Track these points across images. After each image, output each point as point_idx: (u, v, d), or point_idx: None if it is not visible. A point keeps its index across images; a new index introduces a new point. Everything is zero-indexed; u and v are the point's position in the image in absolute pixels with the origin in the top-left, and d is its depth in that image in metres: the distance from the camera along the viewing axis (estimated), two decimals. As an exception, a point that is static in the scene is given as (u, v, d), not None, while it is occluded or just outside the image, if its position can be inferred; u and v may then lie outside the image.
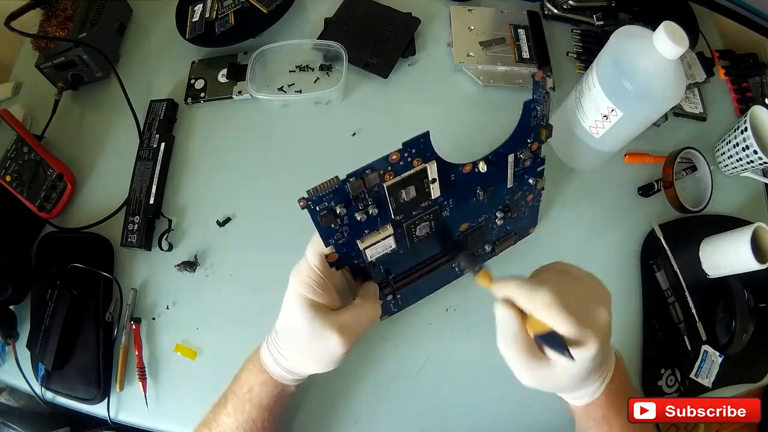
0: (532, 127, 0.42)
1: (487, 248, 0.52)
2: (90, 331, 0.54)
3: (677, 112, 0.65)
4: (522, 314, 0.35)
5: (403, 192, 0.37)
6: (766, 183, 0.63)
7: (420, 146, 0.36)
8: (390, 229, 0.40)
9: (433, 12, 0.70)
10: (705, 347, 0.54)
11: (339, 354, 0.39)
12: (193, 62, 0.68)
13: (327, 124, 0.64)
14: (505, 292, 0.35)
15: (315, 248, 0.39)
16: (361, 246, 0.40)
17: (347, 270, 0.43)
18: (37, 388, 0.54)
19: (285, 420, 0.47)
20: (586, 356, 0.33)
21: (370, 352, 0.53)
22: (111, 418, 0.53)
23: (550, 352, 0.34)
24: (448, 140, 0.61)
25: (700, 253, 0.57)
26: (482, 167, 0.41)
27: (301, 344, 0.39)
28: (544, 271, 0.38)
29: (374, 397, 0.51)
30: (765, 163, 0.57)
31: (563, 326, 0.33)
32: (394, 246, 0.42)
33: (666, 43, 0.42)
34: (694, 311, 0.55)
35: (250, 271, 0.57)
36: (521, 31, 0.68)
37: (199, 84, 0.66)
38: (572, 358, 0.33)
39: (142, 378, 0.52)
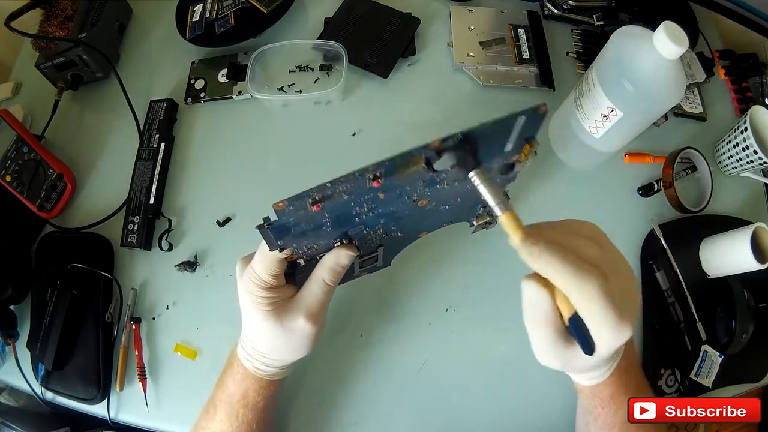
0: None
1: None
2: (90, 331, 0.54)
3: (677, 112, 0.65)
4: (551, 289, 0.31)
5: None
6: (766, 183, 0.63)
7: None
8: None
9: (433, 12, 0.70)
10: (705, 347, 0.54)
11: (313, 335, 0.39)
12: (193, 62, 0.68)
13: (327, 124, 0.64)
14: (541, 265, 0.30)
15: (262, 259, 0.37)
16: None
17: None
18: (37, 388, 0.54)
19: (276, 415, 0.48)
20: (618, 344, 0.31)
21: (370, 352, 0.53)
22: (111, 418, 0.53)
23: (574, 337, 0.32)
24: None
25: (700, 253, 0.57)
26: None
27: (277, 344, 0.39)
28: (577, 234, 0.34)
29: (374, 397, 0.51)
30: (765, 163, 0.57)
31: (604, 323, 0.29)
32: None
33: (666, 43, 0.42)
34: (694, 311, 0.55)
35: (250, 271, 0.57)
36: (521, 31, 0.68)
37: (199, 84, 0.66)
38: (591, 353, 0.31)
39: (142, 378, 0.52)
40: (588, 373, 0.38)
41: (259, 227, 0.34)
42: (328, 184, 0.32)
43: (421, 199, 0.40)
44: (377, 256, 0.47)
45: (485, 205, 0.47)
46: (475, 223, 0.51)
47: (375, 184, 0.34)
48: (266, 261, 0.37)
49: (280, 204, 0.32)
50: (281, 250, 0.37)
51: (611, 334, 0.30)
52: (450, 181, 0.39)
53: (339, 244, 0.40)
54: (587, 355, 0.31)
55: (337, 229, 0.38)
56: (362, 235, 0.41)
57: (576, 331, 0.32)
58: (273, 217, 0.34)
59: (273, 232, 0.35)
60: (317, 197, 0.33)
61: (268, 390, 0.42)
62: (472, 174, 0.35)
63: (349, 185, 0.33)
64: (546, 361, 0.34)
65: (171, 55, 0.70)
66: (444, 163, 0.35)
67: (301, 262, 0.40)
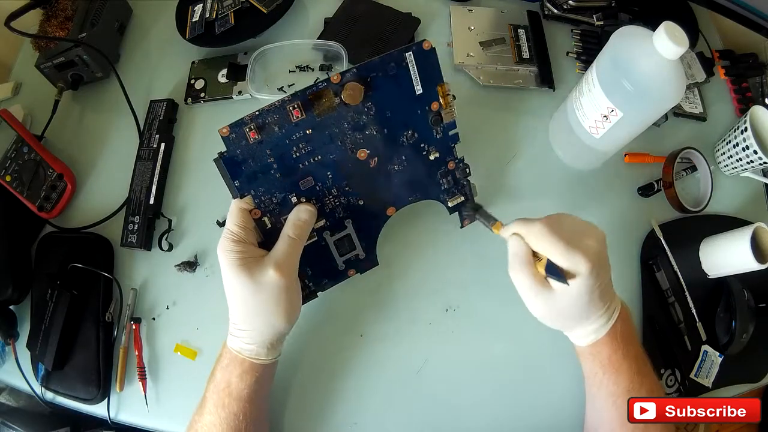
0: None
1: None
2: (90, 331, 0.54)
3: (677, 112, 0.65)
4: (532, 251, 0.40)
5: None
6: (766, 183, 0.63)
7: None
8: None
9: (433, 12, 0.70)
10: (705, 347, 0.54)
11: (283, 288, 0.40)
12: (193, 62, 0.68)
13: (327, 124, 0.64)
14: (509, 232, 0.41)
15: (230, 213, 0.42)
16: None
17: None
18: (37, 388, 0.54)
19: (267, 410, 0.47)
20: (578, 278, 0.37)
21: (370, 352, 0.53)
22: (111, 418, 0.53)
23: (551, 281, 0.38)
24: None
25: (700, 253, 0.57)
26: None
27: (250, 304, 0.41)
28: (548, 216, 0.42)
29: (374, 397, 0.51)
30: (765, 163, 0.57)
31: (554, 249, 0.37)
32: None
33: (666, 43, 0.42)
34: (694, 311, 0.55)
35: (250, 271, 0.56)
36: (521, 31, 0.68)
37: (199, 84, 0.66)
38: (566, 282, 0.37)
39: (142, 378, 0.52)
40: (582, 328, 0.41)
41: (215, 160, 0.40)
42: (257, 112, 0.39)
43: (359, 150, 0.44)
44: (351, 238, 0.49)
45: (446, 174, 0.50)
46: (449, 204, 0.51)
47: (296, 114, 0.39)
48: (233, 213, 0.42)
49: (224, 129, 0.39)
50: (241, 196, 0.42)
51: (565, 259, 0.37)
52: (377, 127, 0.43)
53: (297, 201, 0.44)
54: (565, 285, 0.37)
55: (286, 178, 0.43)
56: (315, 192, 0.45)
57: (550, 271, 0.38)
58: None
59: (226, 164, 0.40)
60: (252, 125, 0.39)
61: (251, 376, 0.42)
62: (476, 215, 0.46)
63: (276, 115, 0.39)
64: (534, 308, 0.40)
65: (171, 55, 0.70)
66: (353, 97, 0.40)
67: (267, 222, 0.44)
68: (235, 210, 0.42)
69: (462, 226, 0.56)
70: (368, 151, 0.44)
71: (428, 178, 0.49)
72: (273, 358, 0.44)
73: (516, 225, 0.41)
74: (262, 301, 0.41)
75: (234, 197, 0.42)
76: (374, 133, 0.43)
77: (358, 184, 0.46)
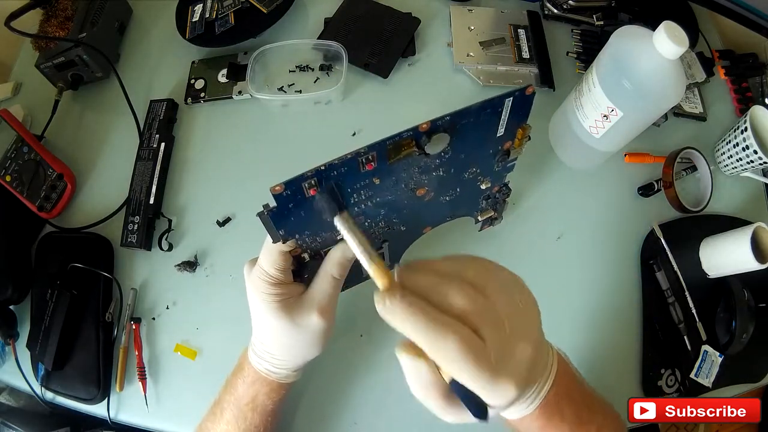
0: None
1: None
2: (90, 331, 0.54)
3: (677, 112, 0.65)
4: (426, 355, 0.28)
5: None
6: (766, 183, 0.63)
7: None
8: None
9: (433, 12, 0.70)
10: (705, 347, 0.54)
11: (325, 331, 0.39)
12: (193, 62, 0.68)
13: (327, 124, 0.64)
14: (396, 322, 0.28)
15: (267, 254, 0.37)
16: None
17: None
18: (37, 388, 0.54)
19: (281, 417, 0.47)
20: (501, 404, 0.27)
21: (370, 352, 0.53)
22: (111, 418, 0.53)
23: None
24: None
25: (700, 253, 0.57)
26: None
27: (288, 343, 0.40)
28: (454, 276, 0.30)
29: (374, 397, 0.51)
30: (765, 163, 0.57)
31: (474, 383, 0.26)
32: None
33: (666, 43, 0.42)
34: (694, 311, 0.55)
35: (250, 271, 0.56)
36: (521, 31, 0.68)
37: (199, 84, 0.66)
38: (485, 418, 0.28)
39: (142, 378, 0.52)
40: (512, 408, 0.31)
41: (260, 214, 0.34)
42: (323, 167, 0.33)
43: (419, 188, 0.41)
44: (383, 254, 0.47)
45: (488, 197, 0.47)
46: (480, 218, 0.51)
47: (368, 167, 0.34)
48: (271, 256, 0.37)
49: (277, 187, 0.33)
50: (284, 241, 0.37)
51: (485, 395, 0.27)
52: (446, 168, 0.40)
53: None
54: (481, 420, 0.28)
55: None
56: (364, 227, 0.41)
57: (459, 394, 0.28)
58: (273, 205, 0.34)
59: (273, 218, 0.35)
60: (313, 181, 0.33)
61: (279, 393, 0.42)
62: (336, 219, 0.34)
63: (344, 168, 0.34)
64: (451, 421, 0.30)
65: (171, 55, 0.70)
66: (435, 146, 0.35)
67: (306, 257, 0.40)
68: (274, 253, 0.37)
69: (480, 230, 0.56)
70: (428, 188, 0.41)
71: (472, 201, 0.48)
72: (300, 376, 0.44)
73: (409, 326, 0.27)
74: (301, 341, 0.39)
75: (275, 242, 0.37)
76: (441, 173, 0.40)
77: (406, 215, 0.43)
